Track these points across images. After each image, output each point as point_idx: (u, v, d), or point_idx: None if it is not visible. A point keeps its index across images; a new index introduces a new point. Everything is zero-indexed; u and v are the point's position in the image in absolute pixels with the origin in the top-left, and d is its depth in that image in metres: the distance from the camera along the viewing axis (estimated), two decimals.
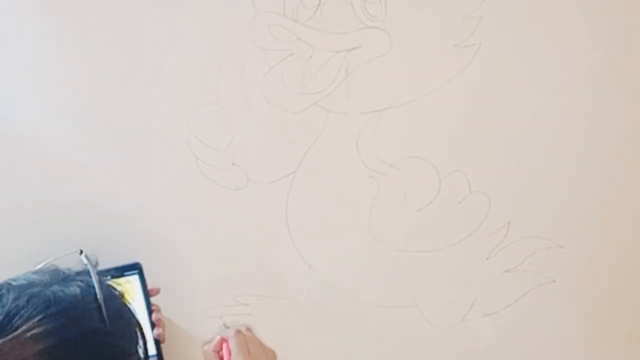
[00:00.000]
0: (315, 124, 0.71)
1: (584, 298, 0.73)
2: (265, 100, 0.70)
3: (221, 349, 0.72)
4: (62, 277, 0.54)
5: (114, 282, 0.59)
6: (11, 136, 0.71)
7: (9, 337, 0.48)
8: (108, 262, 0.73)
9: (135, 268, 0.71)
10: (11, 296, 0.50)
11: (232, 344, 0.70)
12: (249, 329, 0.73)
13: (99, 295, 0.52)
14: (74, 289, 0.52)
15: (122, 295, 0.57)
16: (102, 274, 0.56)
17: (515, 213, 0.72)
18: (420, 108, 0.70)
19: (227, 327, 0.74)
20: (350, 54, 0.69)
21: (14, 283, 0.53)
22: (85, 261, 0.57)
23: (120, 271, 0.71)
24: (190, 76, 0.70)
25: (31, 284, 0.52)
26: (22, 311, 0.49)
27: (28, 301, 0.50)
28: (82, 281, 0.54)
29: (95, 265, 0.58)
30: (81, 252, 0.58)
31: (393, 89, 0.70)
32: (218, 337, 0.73)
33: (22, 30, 0.69)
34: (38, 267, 0.57)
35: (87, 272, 0.55)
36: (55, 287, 0.52)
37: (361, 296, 0.74)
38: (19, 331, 0.48)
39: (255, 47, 0.69)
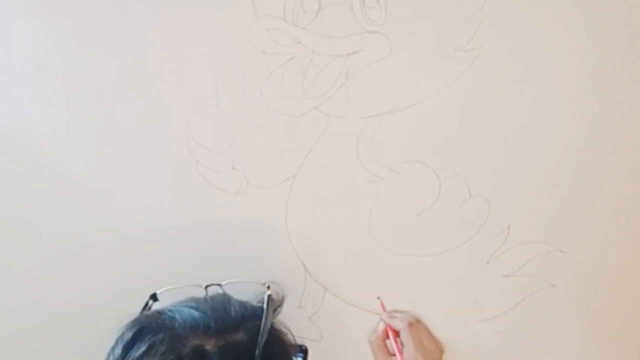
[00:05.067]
0: (315, 128, 0.71)
1: (584, 303, 0.73)
2: (266, 104, 0.71)
3: (387, 338, 0.65)
4: (228, 322, 0.50)
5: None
6: (12, 137, 0.71)
7: None
8: (107, 265, 0.73)
9: (300, 350, 0.72)
10: (163, 347, 0.47)
11: (406, 337, 0.62)
12: (419, 320, 0.64)
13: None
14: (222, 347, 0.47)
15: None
16: None
17: (516, 217, 0.72)
18: (420, 112, 0.70)
19: (393, 316, 0.65)
20: (350, 58, 0.69)
21: (178, 324, 0.49)
22: (266, 302, 0.52)
23: None
24: (190, 80, 0.70)
25: (191, 328, 0.48)
26: None
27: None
28: (248, 329, 0.49)
29: (279, 304, 0.55)
30: (268, 287, 0.55)
31: (393, 93, 0.70)
32: (382, 326, 0.65)
33: (23, 32, 0.69)
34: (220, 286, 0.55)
35: (260, 315, 0.50)
36: (209, 342, 0.47)
37: (361, 301, 0.74)
38: None
39: (256, 51, 0.69)
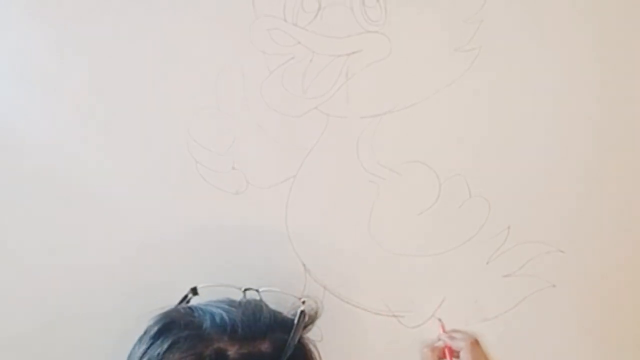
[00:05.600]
0: (315, 128, 0.71)
1: (584, 303, 0.73)
2: (265, 104, 0.71)
3: (444, 356, 0.68)
4: (256, 331, 0.49)
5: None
6: (11, 137, 0.71)
7: None
8: (106, 268, 0.73)
9: None
10: (185, 345, 0.47)
11: (467, 357, 0.64)
12: (477, 342, 0.67)
13: None
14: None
15: None
16: None
17: (516, 217, 0.72)
18: (420, 112, 0.70)
19: (452, 337, 0.68)
20: (350, 58, 0.69)
21: (206, 324, 0.49)
22: (297, 316, 0.52)
23: None
24: (190, 80, 0.70)
25: (218, 331, 0.48)
26: None
27: None
28: (275, 340, 0.49)
29: (311, 321, 0.54)
30: (303, 302, 0.55)
31: (393, 93, 0.70)
32: (441, 343, 0.69)
33: (23, 32, 0.69)
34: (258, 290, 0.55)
35: (289, 328, 0.50)
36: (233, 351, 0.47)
37: (361, 301, 0.74)
38: None
39: (256, 51, 0.69)
